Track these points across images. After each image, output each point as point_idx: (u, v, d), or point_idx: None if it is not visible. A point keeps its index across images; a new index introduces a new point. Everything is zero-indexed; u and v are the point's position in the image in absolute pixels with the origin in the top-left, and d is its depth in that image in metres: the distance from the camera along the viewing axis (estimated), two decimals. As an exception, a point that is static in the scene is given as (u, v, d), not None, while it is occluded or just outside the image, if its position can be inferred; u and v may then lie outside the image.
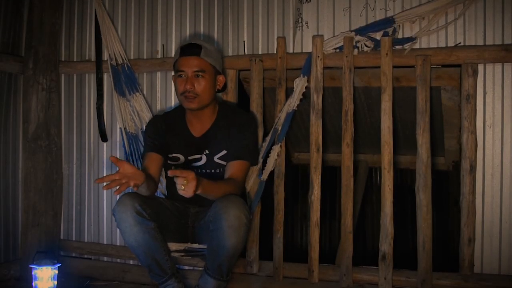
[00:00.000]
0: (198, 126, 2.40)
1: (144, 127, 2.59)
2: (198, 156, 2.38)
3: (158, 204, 2.28)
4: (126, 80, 2.77)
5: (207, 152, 2.37)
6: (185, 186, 1.91)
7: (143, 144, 2.66)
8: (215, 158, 2.36)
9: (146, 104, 2.78)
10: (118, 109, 2.77)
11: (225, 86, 2.53)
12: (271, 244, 2.60)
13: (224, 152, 2.36)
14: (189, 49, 2.29)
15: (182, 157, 2.40)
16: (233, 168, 2.30)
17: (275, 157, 2.55)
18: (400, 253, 2.67)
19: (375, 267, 2.46)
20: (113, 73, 2.79)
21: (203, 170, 2.37)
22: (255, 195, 2.55)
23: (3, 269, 2.78)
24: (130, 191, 2.63)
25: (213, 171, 2.37)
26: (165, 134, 2.41)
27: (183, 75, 2.28)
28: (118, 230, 2.85)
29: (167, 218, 2.29)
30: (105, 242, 2.93)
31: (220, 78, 2.38)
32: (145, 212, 2.10)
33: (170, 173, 1.91)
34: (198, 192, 1.98)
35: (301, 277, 2.56)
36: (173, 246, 2.28)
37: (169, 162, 2.41)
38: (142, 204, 2.11)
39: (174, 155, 2.41)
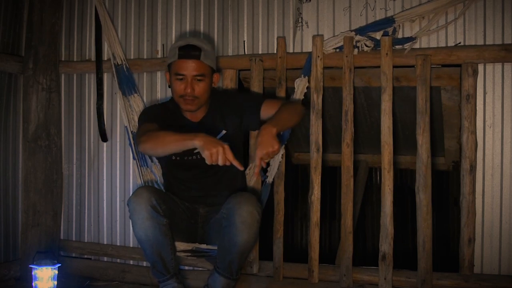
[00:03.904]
0: (194, 114, 2.38)
1: None
2: None
3: (172, 201, 2.28)
4: (125, 81, 2.77)
5: None
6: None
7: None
8: None
9: (144, 105, 2.77)
10: (123, 108, 2.76)
11: None
12: (271, 244, 2.60)
13: (223, 132, 2.32)
14: (188, 51, 2.24)
15: None
16: (269, 108, 2.30)
17: (280, 159, 2.54)
18: (400, 253, 2.68)
19: (375, 267, 2.46)
20: (116, 72, 2.79)
21: None
22: (260, 199, 2.53)
23: (3, 269, 2.78)
24: (142, 184, 2.62)
25: None
26: (163, 121, 2.38)
27: (183, 79, 2.25)
28: (118, 228, 2.88)
29: (179, 217, 2.29)
30: (105, 242, 2.93)
31: (216, 76, 2.35)
32: (160, 207, 2.10)
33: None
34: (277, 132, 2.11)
35: (301, 277, 2.55)
36: (181, 245, 2.27)
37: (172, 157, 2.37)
38: (158, 199, 2.10)
39: None
